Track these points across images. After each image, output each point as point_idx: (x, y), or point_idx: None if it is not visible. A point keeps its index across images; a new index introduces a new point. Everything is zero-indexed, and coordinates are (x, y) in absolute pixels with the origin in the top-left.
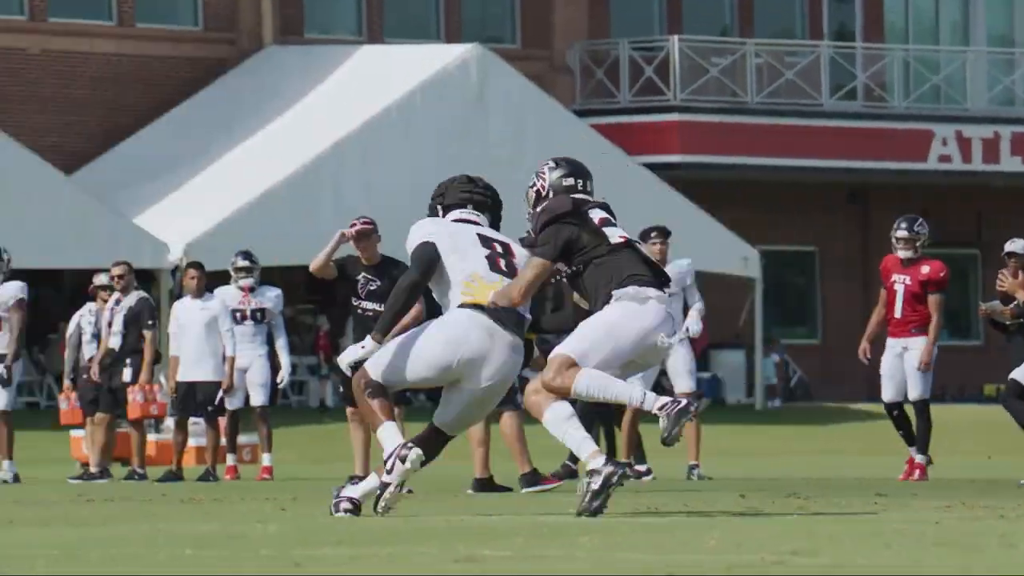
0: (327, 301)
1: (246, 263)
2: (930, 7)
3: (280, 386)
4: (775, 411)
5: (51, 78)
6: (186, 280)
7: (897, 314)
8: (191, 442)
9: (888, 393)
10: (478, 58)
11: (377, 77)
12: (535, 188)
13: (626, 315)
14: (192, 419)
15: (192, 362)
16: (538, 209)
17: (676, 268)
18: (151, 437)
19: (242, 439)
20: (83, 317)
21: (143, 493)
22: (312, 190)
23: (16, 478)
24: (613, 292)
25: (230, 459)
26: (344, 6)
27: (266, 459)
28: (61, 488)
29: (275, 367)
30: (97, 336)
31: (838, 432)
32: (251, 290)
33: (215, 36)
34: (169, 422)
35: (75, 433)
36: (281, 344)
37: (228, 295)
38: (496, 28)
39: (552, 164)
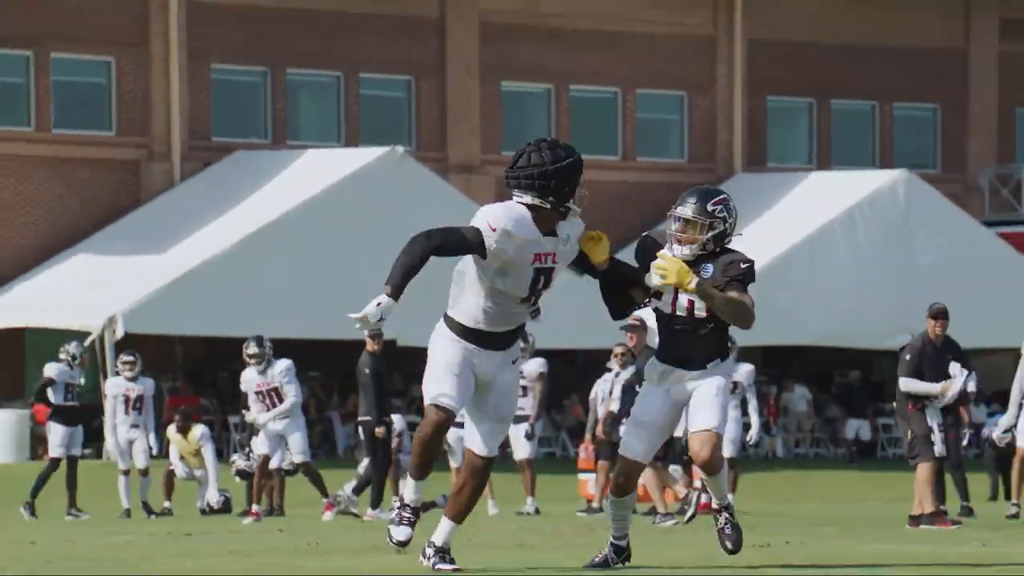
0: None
1: None
2: None
3: (750, 443)
4: None
5: None
6: None
7: None
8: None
9: None
10: (906, 181)
11: (822, 198)
12: (720, 227)
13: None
14: (672, 466)
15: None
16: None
17: None
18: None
19: None
20: (599, 385)
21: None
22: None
23: (537, 511)
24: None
25: None
26: (798, 140)
27: None
28: (571, 520)
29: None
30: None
31: None
32: None
33: (697, 166)
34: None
35: (582, 476)
36: (753, 406)
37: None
38: (921, 156)
39: (732, 203)
